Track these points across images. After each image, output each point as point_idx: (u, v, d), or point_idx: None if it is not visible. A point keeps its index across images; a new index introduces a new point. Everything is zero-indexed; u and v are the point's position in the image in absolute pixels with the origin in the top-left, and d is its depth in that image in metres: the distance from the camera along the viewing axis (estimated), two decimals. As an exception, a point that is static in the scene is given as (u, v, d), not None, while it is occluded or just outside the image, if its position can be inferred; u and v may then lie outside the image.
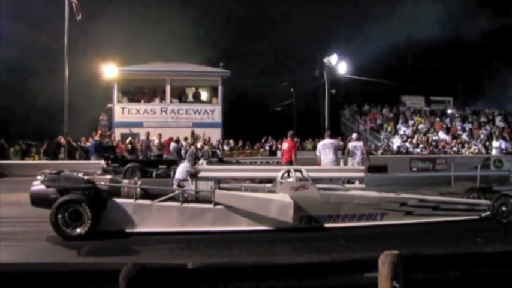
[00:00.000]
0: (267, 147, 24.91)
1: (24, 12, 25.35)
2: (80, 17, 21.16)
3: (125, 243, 7.93)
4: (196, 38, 29.99)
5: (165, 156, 20.46)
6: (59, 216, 7.70)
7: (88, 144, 21.53)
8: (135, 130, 25.23)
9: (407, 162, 24.07)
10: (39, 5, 24.80)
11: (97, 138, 21.18)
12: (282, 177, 9.08)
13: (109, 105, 27.22)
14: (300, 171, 9.09)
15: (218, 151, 21.03)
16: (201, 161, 15.86)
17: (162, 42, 29.01)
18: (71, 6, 20.92)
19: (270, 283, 5.18)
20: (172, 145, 20.80)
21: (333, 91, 28.40)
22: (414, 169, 23.66)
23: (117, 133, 25.56)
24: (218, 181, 8.93)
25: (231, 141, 25.31)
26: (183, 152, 19.97)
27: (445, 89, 33.46)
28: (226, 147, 24.37)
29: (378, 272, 4.16)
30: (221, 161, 17.19)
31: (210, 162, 15.80)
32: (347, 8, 32.96)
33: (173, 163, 15.78)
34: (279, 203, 8.40)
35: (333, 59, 27.11)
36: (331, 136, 14.14)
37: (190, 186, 8.72)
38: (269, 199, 8.50)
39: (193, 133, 24.57)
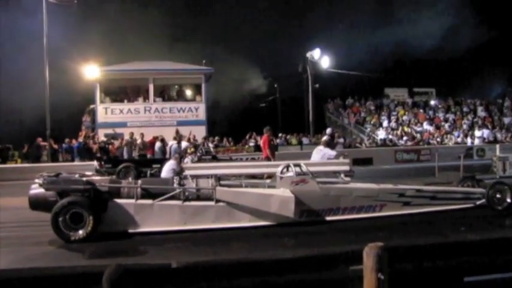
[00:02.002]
0: (252, 144, 24.92)
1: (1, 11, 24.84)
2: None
3: (128, 244, 7.85)
4: (178, 35, 29.81)
5: (149, 155, 20.29)
6: (60, 219, 7.58)
7: (73, 145, 21.25)
8: (119, 130, 24.89)
9: (392, 154, 24.25)
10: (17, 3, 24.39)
11: (81, 139, 20.89)
12: (281, 172, 9.08)
13: (92, 106, 26.84)
14: (299, 165, 9.11)
15: (212, 148, 20.90)
16: (186, 159, 15.75)
17: (144, 41, 28.77)
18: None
19: (255, 280, 5.19)
20: (158, 144, 20.66)
21: (317, 85, 28.53)
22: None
23: (101, 134, 25.19)
24: (219, 178, 8.88)
25: (216, 138, 25.20)
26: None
27: (427, 81, 33.86)
28: (211, 144, 24.24)
29: (363, 265, 4.19)
30: (215, 159, 17.13)
31: (200, 160, 15.70)
32: (329, 2, 33.12)
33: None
34: (280, 198, 8.43)
35: (315, 54, 27.34)
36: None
37: (190, 184, 8.66)
38: (270, 194, 8.52)
39: (177, 132, 24.36)
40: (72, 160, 20.90)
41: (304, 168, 9.06)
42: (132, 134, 21.67)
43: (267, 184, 9.27)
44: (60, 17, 21.76)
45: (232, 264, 5.60)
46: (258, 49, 32.06)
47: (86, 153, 20.80)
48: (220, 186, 8.64)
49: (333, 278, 5.32)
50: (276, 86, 33.89)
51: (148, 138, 21.42)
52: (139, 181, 8.68)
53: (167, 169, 10.46)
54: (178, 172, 10.13)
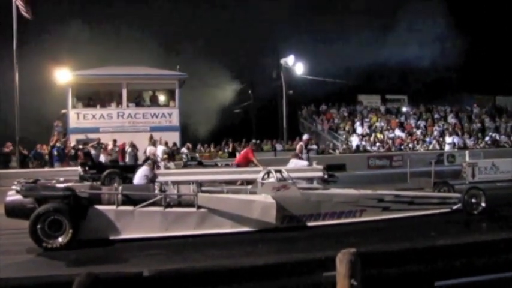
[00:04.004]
0: (226, 150, 24.89)
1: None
2: (30, 16, 20.46)
3: (108, 251, 7.70)
4: (152, 40, 29.55)
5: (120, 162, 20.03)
6: (38, 226, 7.39)
7: (45, 151, 20.77)
8: (91, 136, 24.43)
9: (365, 160, 24.56)
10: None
11: (58, 144, 20.43)
12: (262, 178, 9.10)
13: (63, 111, 26.26)
14: (280, 171, 9.15)
15: (197, 154, 20.77)
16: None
17: (117, 45, 28.39)
18: (18, 9, 20.16)
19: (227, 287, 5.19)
20: (129, 150, 20.42)
21: (291, 92, 28.72)
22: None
23: (73, 139, 24.68)
24: (200, 184, 8.84)
25: (189, 144, 25.05)
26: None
27: (399, 88, 34.51)
28: (185, 150, 24.06)
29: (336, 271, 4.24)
30: (201, 164, 17.05)
31: (186, 166, 15.67)
32: (303, 9, 33.38)
33: None
34: (261, 203, 8.45)
35: (289, 60, 27.52)
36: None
37: (172, 190, 8.59)
38: (252, 200, 8.54)
39: (151, 137, 24.09)
40: (44, 166, 20.42)
41: (285, 174, 9.11)
42: (99, 139, 21.28)
43: (249, 190, 9.28)
44: (32, 19, 21.24)
45: (204, 271, 5.56)
46: (232, 55, 32.02)
47: (65, 158, 20.45)
48: (202, 193, 8.61)
49: (307, 284, 5.34)
50: (250, 92, 33.89)
51: (120, 143, 21.07)
52: (120, 187, 8.56)
53: (140, 175, 10.38)
54: (152, 178, 10.05)
